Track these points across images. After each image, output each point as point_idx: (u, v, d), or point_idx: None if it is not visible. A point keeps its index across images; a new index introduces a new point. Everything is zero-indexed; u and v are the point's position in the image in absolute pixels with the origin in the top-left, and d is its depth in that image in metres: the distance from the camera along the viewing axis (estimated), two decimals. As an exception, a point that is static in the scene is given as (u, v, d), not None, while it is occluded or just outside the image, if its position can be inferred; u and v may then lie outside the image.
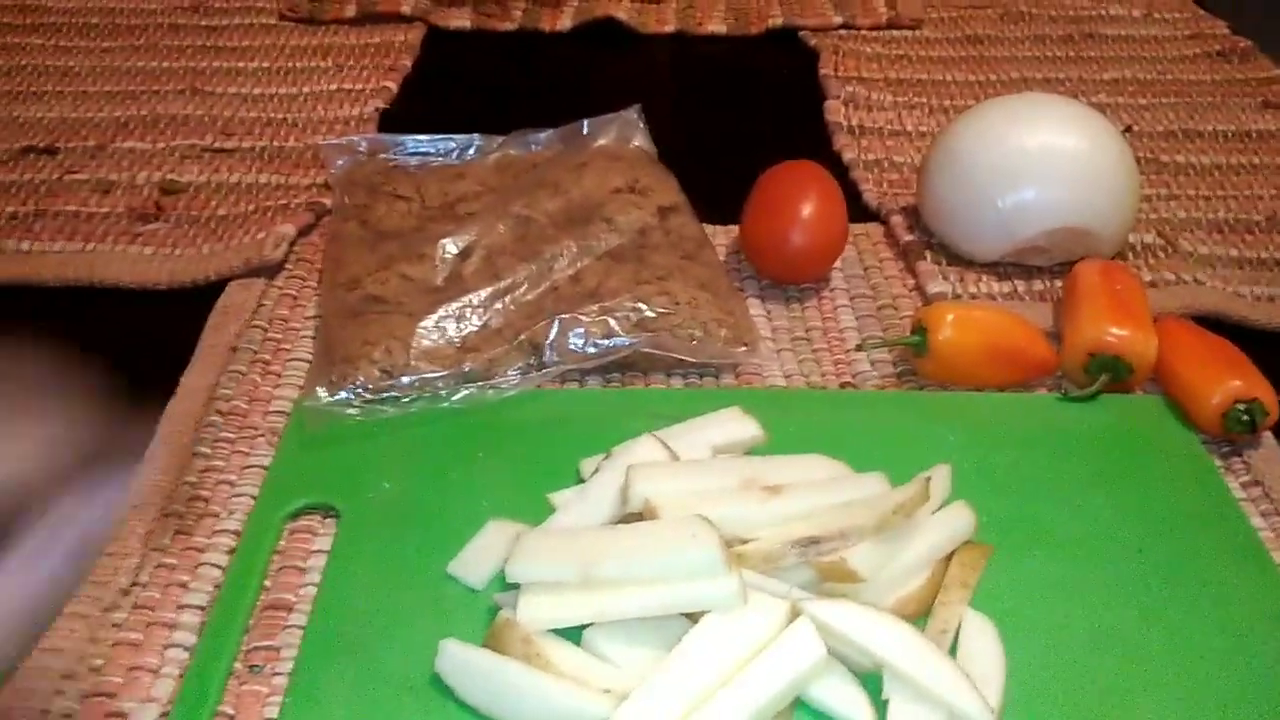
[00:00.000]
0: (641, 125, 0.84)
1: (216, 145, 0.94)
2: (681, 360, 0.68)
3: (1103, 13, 1.19)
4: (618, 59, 1.14)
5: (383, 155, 0.83)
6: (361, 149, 0.83)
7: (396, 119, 0.99)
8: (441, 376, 0.64)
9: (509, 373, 0.65)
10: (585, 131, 0.84)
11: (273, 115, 0.98)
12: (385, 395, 0.64)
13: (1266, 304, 0.76)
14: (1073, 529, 0.58)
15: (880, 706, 0.48)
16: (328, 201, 0.85)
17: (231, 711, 0.50)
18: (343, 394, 0.64)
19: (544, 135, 0.84)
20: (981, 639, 0.51)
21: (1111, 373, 0.65)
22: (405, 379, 0.64)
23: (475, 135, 0.84)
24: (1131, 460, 0.62)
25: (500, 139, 0.84)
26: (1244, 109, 1.01)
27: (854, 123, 0.98)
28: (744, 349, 0.68)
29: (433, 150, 0.83)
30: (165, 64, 1.06)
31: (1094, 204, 0.74)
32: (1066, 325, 0.69)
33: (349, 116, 0.98)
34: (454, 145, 0.84)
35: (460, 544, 0.56)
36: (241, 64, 1.07)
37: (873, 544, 0.51)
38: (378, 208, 0.76)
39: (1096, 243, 0.75)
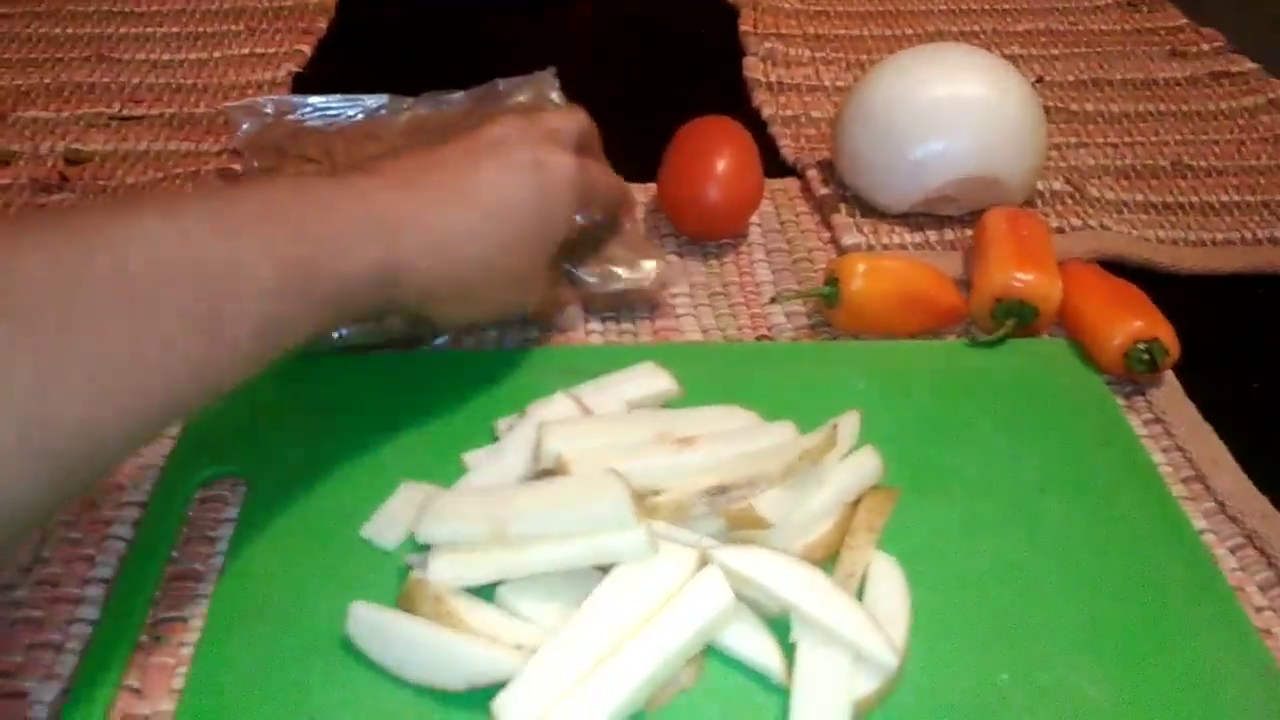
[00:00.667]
0: (556, 85, 0.84)
1: (124, 113, 0.91)
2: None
3: (1018, -35, 1.20)
4: (537, 18, 1.12)
5: (290, 117, 0.81)
6: (269, 111, 0.81)
7: (310, 82, 0.97)
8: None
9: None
10: (500, 89, 0.83)
11: (182, 81, 0.96)
12: None
13: (1170, 247, 0.78)
14: (978, 470, 0.59)
15: (789, 650, 0.49)
16: (238, 167, 0.83)
17: (138, 685, 0.49)
18: None
19: (456, 96, 0.83)
20: (887, 580, 0.52)
21: (1017, 317, 0.67)
22: None
23: (384, 96, 0.83)
24: (1037, 402, 0.64)
25: (410, 100, 0.83)
26: (1152, 57, 1.03)
27: (772, 79, 0.98)
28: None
29: (341, 111, 0.82)
30: (70, 30, 1.03)
31: (1001, 153, 0.75)
32: (975, 271, 0.70)
33: (261, 81, 0.96)
34: (362, 106, 0.82)
35: (373, 508, 0.56)
36: (150, 29, 1.04)
37: (781, 491, 0.52)
38: (286, 170, 0.74)
39: (1005, 191, 0.76)
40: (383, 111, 0.82)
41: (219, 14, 1.07)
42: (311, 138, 0.77)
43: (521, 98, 0.82)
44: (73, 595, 0.53)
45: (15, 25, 1.04)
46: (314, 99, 0.83)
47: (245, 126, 0.80)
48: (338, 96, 0.83)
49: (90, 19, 1.05)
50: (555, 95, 0.83)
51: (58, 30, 1.03)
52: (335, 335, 0.64)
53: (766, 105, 0.94)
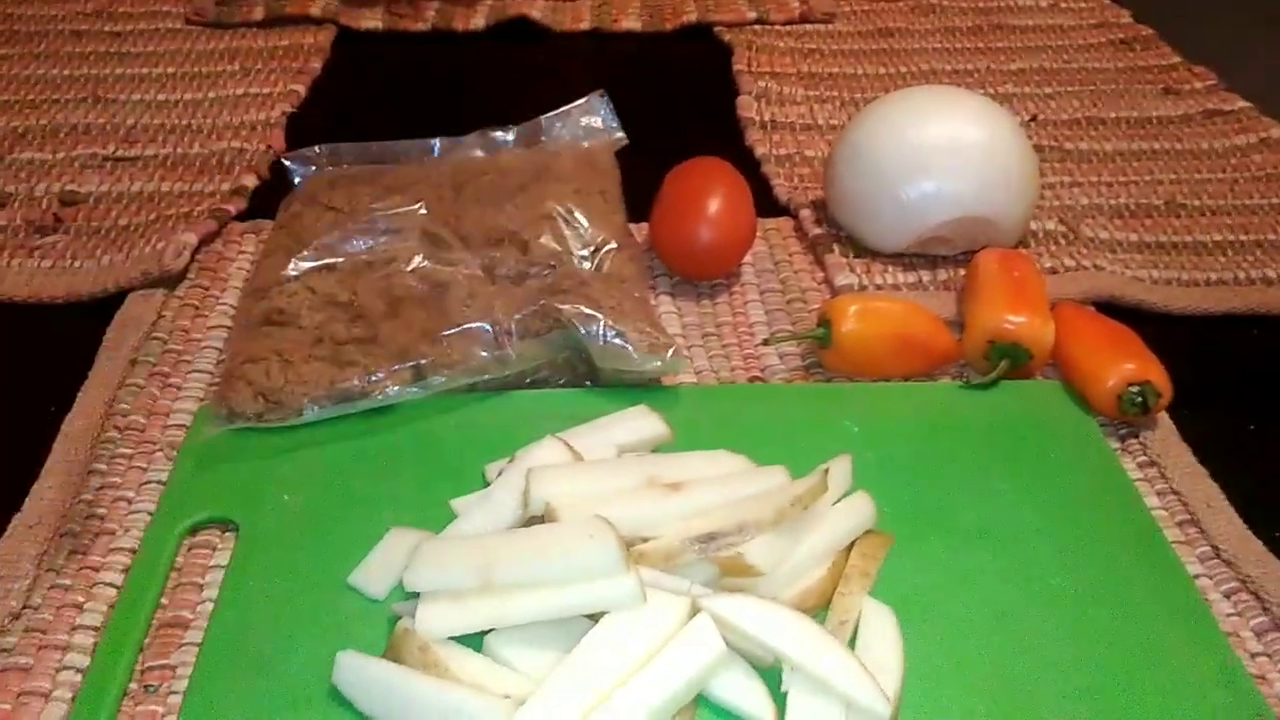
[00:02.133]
0: (607, 108, 0.83)
1: (118, 154, 0.92)
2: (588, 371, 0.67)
3: (1011, 3, 1.21)
4: (531, 58, 1.13)
5: (343, 165, 0.81)
6: (324, 159, 0.81)
7: (305, 123, 0.97)
8: (318, 398, 0.62)
9: (389, 391, 0.63)
10: (544, 127, 0.82)
11: (177, 122, 0.96)
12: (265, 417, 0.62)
13: (1164, 287, 0.78)
14: (973, 515, 0.59)
15: (781, 700, 0.48)
16: (232, 209, 0.84)
17: (126, 734, 0.49)
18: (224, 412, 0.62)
19: (507, 136, 0.82)
20: (880, 628, 0.52)
21: (1011, 359, 0.67)
22: (281, 403, 0.62)
23: (437, 139, 0.82)
24: (1031, 445, 0.63)
25: (462, 139, 0.82)
26: (1145, 95, 1.03)
27: (766, 118, 0.98)
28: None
29: (392, 155, 0.82)
30: (66, 71, 1.04)
31: (993, 194, 0.75)
32: (967, 313, 0.70)
33: (256, 121, 0.96)
34: (415, 149, 0.82)
35: (362, 555, 0.55)
36: (145, 70, 1.04)
37: (772, 537, 0.52)
38: (306, 217, 0.74)
39: (997, 232, 0.76)
40: (433, 154, 0.82)
41: (213, 54, 1.08)
42: (342, 187, 0.77)
43: (569, 135, 0.82)
44: (61, 643, 0.53)
45: (12, 66, 1.04)
46: (372, 145, 0.82)
47: (298, 179, 0.80)
48: (393, 142, 0.82)
49: (86, 60, 1.06)
50: (606, 119, 0.83)
51: (54, 71, 1.04)
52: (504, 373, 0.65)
53: (760, 144, 0.94)
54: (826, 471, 0.54)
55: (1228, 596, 0.57)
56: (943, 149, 0.75)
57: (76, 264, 0.78)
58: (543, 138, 0.83)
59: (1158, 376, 0.64)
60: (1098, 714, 0.49)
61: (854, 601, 0.53)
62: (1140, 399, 0.64)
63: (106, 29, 1.11)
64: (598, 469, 0.57)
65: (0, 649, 0.53)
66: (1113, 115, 1.00)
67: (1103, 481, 0.62)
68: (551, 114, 0.83)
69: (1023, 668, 0.51)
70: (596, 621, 0.49)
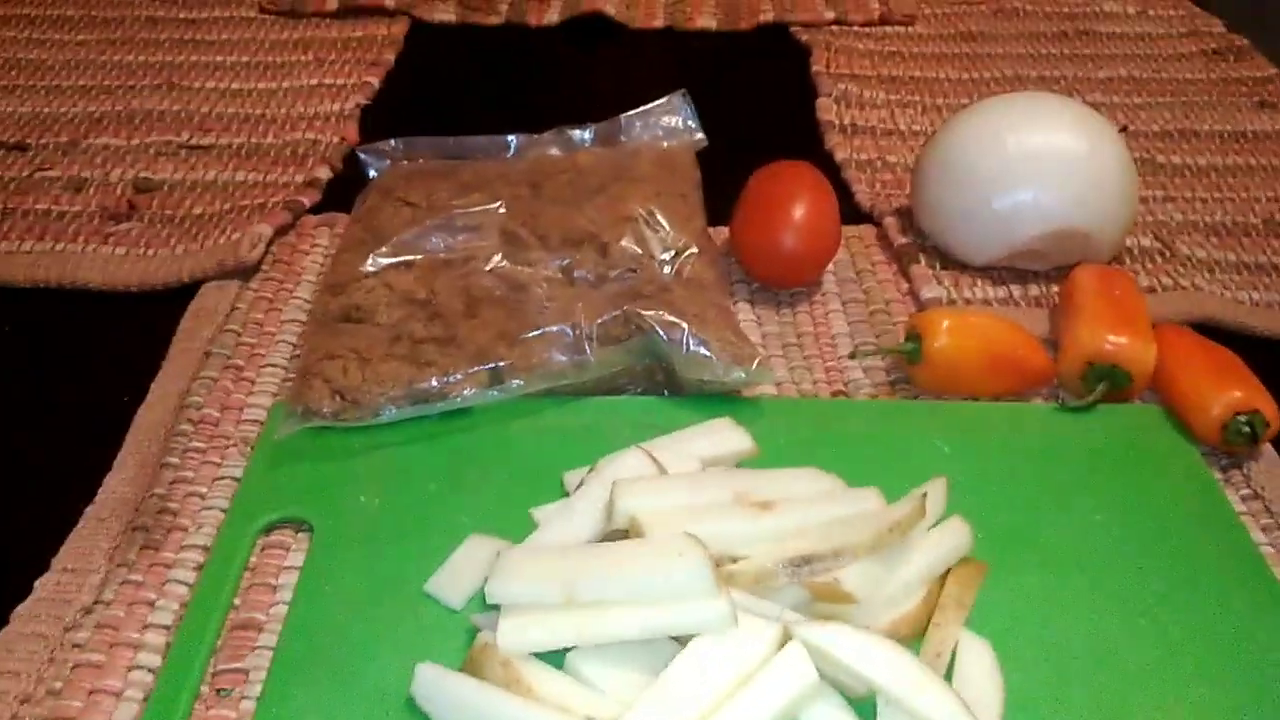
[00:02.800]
0: (688, 107, 0.81)
1: (193, 142, 0.91)
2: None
3: (1097, 9, 1.17)
4: (605, 55, 1.11)
5: (418, 159, 0.80)
6: (399, 152, 0.80)
7: (379, 115, 0.97)
8: (395, 398, 0.61)
9: (466, 393, 0.62)
10: (623, 126, 0.81)
11: (251, 111, 0.96)
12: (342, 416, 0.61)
13: (1265, 310, 0.75)
14: (1070, 543, 0.56)
15: (874, 733, 0.46)
16: (306, 200, 0.83)
17: (198, 738, 0.48)
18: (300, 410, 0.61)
19: (585, 134, 0.81)
20: (978, 662, 0.50)
21: (1110, 381, 0.64)
22: (358, 403, 0.61)
23: (515, 136, 0.81)
24: (1130, 472, 0.61)
25: (539, 136, 0.81)
26: (1240, 108, 1.00)
27: (846, 121, 0.96)
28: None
29: (466, 151, 0.80)
30: (141, 58, 1.04)
31: (1091, 206, 0.72)
32: (1064, 333, 0.67)
33: (330, 113, 0.96)
34: (490, 146, 0.81)
35: (439, 561, 0.54)
36: (220, 58, 1.04)
37: (867, 563, 0.50)
38: (384, 212, 0.73)
39: (1094, 246, 0.74)
40: (510, 152, 0.81)
41: (288, 44, 1.07)
42: (420, 181, 0.75)
43: (647, 136, 0.80)
44: (133, 641, 0.52)
45: (89, 52, 1.04)
46: (449, 140, 0.81)
47: (373, 172, 0.79)
48: (468, 137, 0.81)
49: (161, 47, 1.06)
50: (687, 119, 0.81)
51: (129, 58, 1.04)
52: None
53: (840, 149, 0.92)
54: (924, 496, 0.52)
55: (1342, 640, 0.54)
56: (1040, 158, 0.72)
57: (150, 252, 0.78)
58: (621, 137, 0.81)
59: (1266, 405, 0.61)
60: (1207, 761, 0.47)
61: (950, 633, 0.51)
62: (1248, 428, 0.61)
63: (181, 16, 1.11)
64: (684, 483, 0.55)
65: (73, 644, 0.52)
66: (1206, 128, 0.97)
67: (1206, 513, 0.59)
68: (631, 113, 0.81)
69: (1128, 706, 0.49)
70: (683, 643, 0.47)
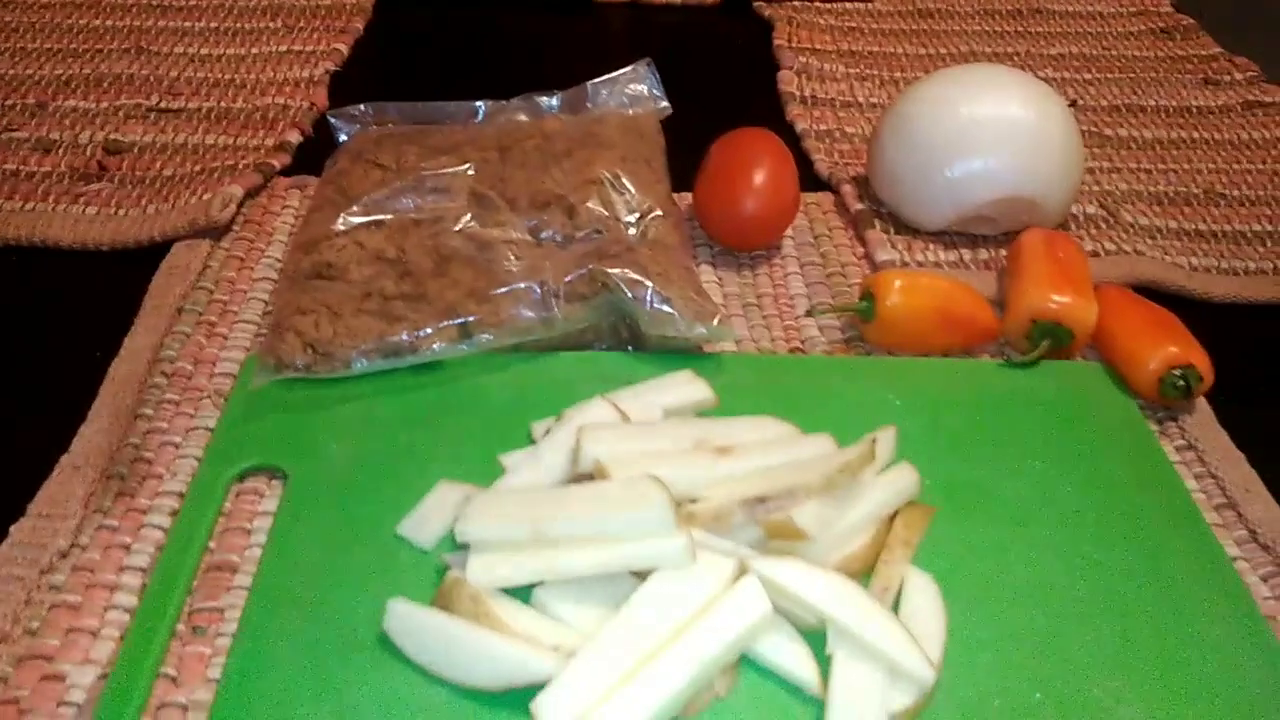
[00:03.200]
0: (653, 77, 0.83)
1: (162, 105, 0.92)
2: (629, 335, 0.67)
3: (1051, -12, 1.21)
4: (573, 25, 1.13)
5: (388, 124, 0.81)
6: (368, 117, 0.82)
7: (348, 82, 0.98)
8: (366, 351, 0.63)
9: (436, 347, 0.63)
10: (590, 94, 0.82)
11: (220, 76, 0.97)
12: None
13: (1203, 274, 0.78)
14: (1013, 491, 0.59)
15: (824, 662, 0.49)
16: (276, 163, 0.84)
17: (174, 673, 0.50)
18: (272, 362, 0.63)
19: (552, 101, 0.83)
20: (923, 596, 0.52)
21: (1053, 338, 0.67)
22: (330, 355, 0.62)
23: (483, 102, 0.83)
24: (1071, 425, 0.64)
25: (506, 103, 0.83)
26: (1185, 85, 1.03)
27: (806, 93, 0.98)
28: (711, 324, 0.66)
29: (436, 117, 0.82)
30: (110, 22, 1.04)
31: (1040, 174, 0.75)
32: (1010, 292, 0.70)
33: (299, 78, 0.97)
34: (459, 112, 0.82)
35: (410, 506, 0.56)
36: (189, 23, 1.05)
37: (819, 503, 0.52)
38: (354, 173, 0.74)
39: (1041, 212, 0.76)
40: (479, 118, 0.82)
41: (257, 10, 1.08)
42: (390, 144, 0.77)
43: (614, 103, 0.82)
44: (109, 582, 0.54)
45: (56, 15, 1.05)
46: (418, 105, 0.82)
47: (343, 136, 0.81)
48: (438, 103, 0.82)
49: (129, 11, 1.06)
50: (652, 87, 0.83)
51: (97, 22, 1.04)
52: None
53: (800, 119, 0.94)
54: (874, 440, 0.55)
55: (1265, 580, 0.57)
56: (991, 127, 0.75)
57: (121, 212, 0.79)
58: (588, 104, 0.83)
59: (1200, 360, 0.64)
60: (1135, 688, 0.50)
61: (896, 570, 0.53)
62: (1182, 382, 0.64)
63: (148, -19, 1.11)
64: (647, 430, 0.57)
65: (50, 586, 0.54)
66: (1152, 103, 1.00)
67: (1142, 462, 0.62)
68: (597, 80, 0.83)
69: (1063, 641, 0.52)
70: (643, 579, 0.49)
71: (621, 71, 0.83)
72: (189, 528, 0.55)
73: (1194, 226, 0.83)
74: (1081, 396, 0.66)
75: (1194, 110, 0.99)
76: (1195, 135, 0.96)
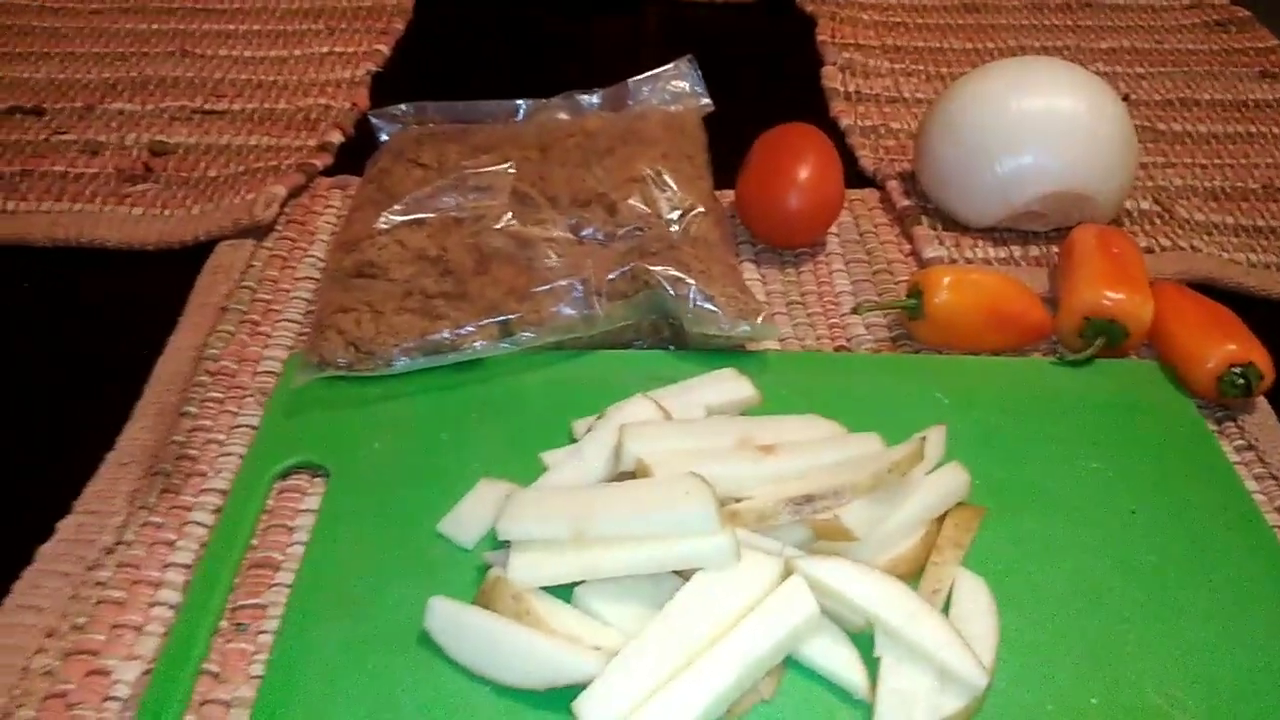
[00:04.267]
0: (694, 73, 0.82)
1: (206, 107, 0.93)
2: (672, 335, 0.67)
3: (1101, -19, 1.18)
4: (614, 23, 1.12)
5: (429, 124, 0.81)
6: (410, 117, 0.82)
7: (389, 82, 0.98)
8: (408, 349, 0.62)
9: (477, 345, 0.63)
10: (629, 87, 0.82)
11: (263, 78, 0.97)
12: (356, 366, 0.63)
13: (1262, 271, 0.76)
14: (1066, 491, 0.58)
15: (872, 665, 0.47)
16: (319, 163, 0.84)
17: (217, 669, 0.50)
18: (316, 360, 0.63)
19: (592, 99, 0.82)
20: (974, 598, 0.51)
21: (1107, 336, 0.65)
22: (372, 353, 0.62)
23: (524, 101, 0.82)
24: (1126, 424, 0.62)
25: (546, 101, 0.82)
26: (1241, 78, 1.01)
27: (850, 89, 0.97)
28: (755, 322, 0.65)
29: (478, 115, 0.82)
30: (154, 26, 1.05)
31: (1092, 168, 0.73)
32: (1063, 288, 0.68)
33: (341, 79, 0.97)
34: (499, 111, 0.82)
35: (451, 504, 0.56)
36: (232, 26, 1.06)
37: (867, 503, 0.51)
38: (396, 172, 0.74)
39: (1094, 208, 0.75)
40: (519, 116, 0.82)
41: (299, 13, 1.08)
42: (431, 143, 0.77)
43: (655, 100, 0.81)
44: (154, 579, 0.54)
45: (102, 20, 1.06)
46: (459, 105, 0.82)
47: (384, 136, 0.81)
48: (478, 102, 0.82)
49: (174, 15, 1.07)
50: (694, 84, 0.82)
51: (143, 26, 1.05)
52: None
53: (845, 115, 0.93)
54: (923, 439, 0.53)
55: (1330, 585, 0.55)
56: (1041, 121, 0.73)
57: (167, 213, 0.79)
58: (629, 102, 0.82)
59: (1260, 358, 0.63)
60: (1193, 694, 0.48)
61: (947, 571, 0.52)
62: (1242, 380, 0.62)
63: (193, -15, 1.12)
64: (690, 428, 0.56)
65: (95, 582, 0.54)
66: (1207, 97, 0.98)
67: (1201, 463, 0.60)
68: (639, 78, 0.82)
69: (1120, 645, 0.50)
70: (687, 579, 0.49)
71: (663, 68, 0.83)
72: (232, 525, 0.55)
73: (1252, 222, 0.81)
74: (1137, 396, 0.64)
75: (1250, 104, 0.97)
76: (1252, 130, 0.93)
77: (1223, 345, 0.63)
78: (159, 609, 0.53)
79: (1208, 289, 0.73)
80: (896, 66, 1.01)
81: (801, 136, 0.76)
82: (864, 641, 0.48)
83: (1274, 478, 0.61)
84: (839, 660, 0.48)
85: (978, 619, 0.50)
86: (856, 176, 0.85)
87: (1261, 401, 0.65)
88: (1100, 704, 0.48)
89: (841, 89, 0.97)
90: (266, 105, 0.93)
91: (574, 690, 0.45)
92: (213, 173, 0.84)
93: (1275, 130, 0.93)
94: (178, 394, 0.64)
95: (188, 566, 0.54)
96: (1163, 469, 0.59)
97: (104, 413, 0.63)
